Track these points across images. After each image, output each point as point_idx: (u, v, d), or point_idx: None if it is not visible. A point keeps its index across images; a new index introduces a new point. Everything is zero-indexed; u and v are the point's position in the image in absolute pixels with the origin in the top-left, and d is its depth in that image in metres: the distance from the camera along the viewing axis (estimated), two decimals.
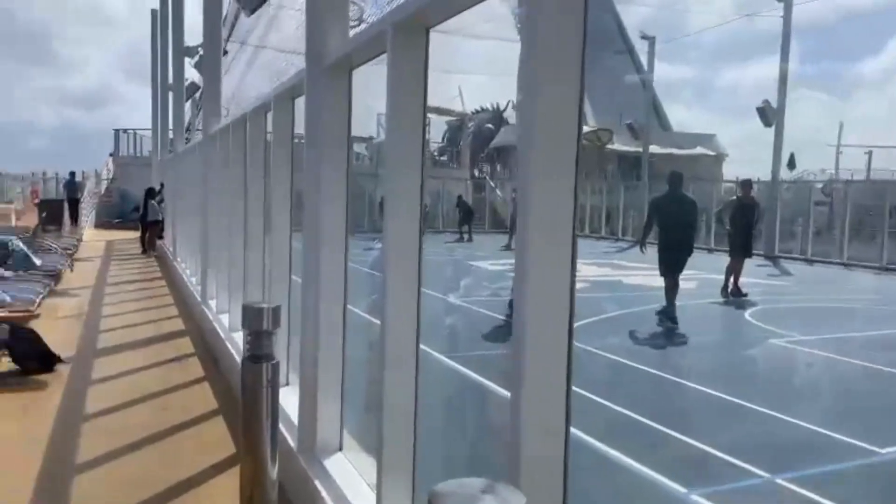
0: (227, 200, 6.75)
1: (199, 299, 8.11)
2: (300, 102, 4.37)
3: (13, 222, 17.28)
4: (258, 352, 2.69)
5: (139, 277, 12.18)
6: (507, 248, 20.88)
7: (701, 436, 5.04)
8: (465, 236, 24.38)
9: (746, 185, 12.31)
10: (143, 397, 5.10)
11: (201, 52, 13.96)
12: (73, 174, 20.86)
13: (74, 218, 18.66)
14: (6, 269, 8.84)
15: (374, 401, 2.65)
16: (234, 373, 5.39)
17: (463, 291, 10.23)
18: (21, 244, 9.71)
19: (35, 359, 5.53)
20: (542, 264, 1.61)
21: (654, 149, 27.04)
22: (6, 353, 5.40)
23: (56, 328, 7.16)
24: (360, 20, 3.48)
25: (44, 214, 17.36)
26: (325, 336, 3.33)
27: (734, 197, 12.48)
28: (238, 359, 5.42)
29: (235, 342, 5.83)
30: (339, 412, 3.38)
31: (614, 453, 4.62)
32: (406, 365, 2.58)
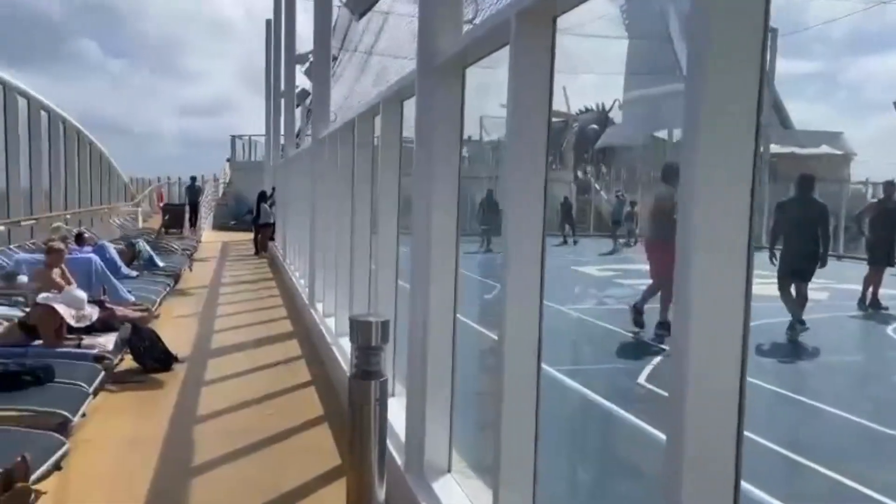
0: (334, 204, 6.78)
1: (306, 301, 8.23)
2: (409, 106, 4.26)
3: (140, 224, 18.52)
4: (366, 367, 2.55)
5: (251, 278, 12.64)
6: (612, 252, 20.14)
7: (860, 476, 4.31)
8: (569, 239, 23.77)
9: (890, 186, 11.13)
10: (252, 400, 5.15)
11: (311, 59, 14.40)
12: (193, 179, 22.08)
13: (194, 221, 19.74)
14: (133, 269, 9.37)
15: (487, 419, 2.44)
16: (339, 378, 5.36)
17: (570, 299, 9.82)
18: (146, 245, 10.29)
19: (154, 358, 5.73)
20: (709, 285, 1.33)
21: (774, 148, 25.28)
22: (128, 351, 5.63)
23: (174, 327, 7.47)
24: (474, 19, 3.29)
25: (167, 217, 18.45)
26: (434, 348, 3.15)
27: (875, 199, 11.30)
28: (344, 365, 5.39)
29: (342, 347, 5.80)
30: (449, 431, 3.19)
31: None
32: (526, 383, 2.35)
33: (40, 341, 5.09)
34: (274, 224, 16.90)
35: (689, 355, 1.34)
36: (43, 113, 11.42)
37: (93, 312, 5.37)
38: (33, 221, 9.95)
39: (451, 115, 3.10)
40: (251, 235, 18.03)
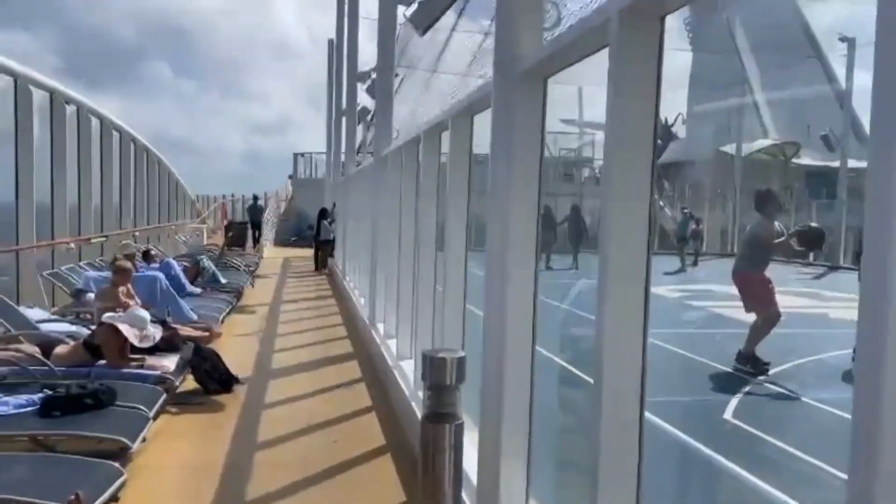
0: (396, 222, 6.61)
1: (367, 321, 8.07)
2: (480, 121, 4.04)
3: (205, 240, 18.92)
4: (440, 409, 2.29)
5: (311, 295, 12.62)
6: (679, 271, 19.34)
7: None
8: None
9: None
10: (313, 426, 4.97)
11: (374, 77, 14.42)
12: (255, 198, 22.46)
13: (256, 240, 20.03)
14: (196, 286, 9.44)
15: (568, 457, 2.15)
16: (401, 404, 5.13)
17: None
18: (210, 263, 10.37)
19: (216, 380, 5.63)
20: None
21: (851, 163, 23.99)
22: (189, 372, 5.55)
23: (235, 346, 7.41)
24: (555, 27, 3.03)
25: (230, 235, 18.78)
26: (510, 383, 2.86)
27: None
28: (405, 390, 5.16)
29: (403, 371, 5.58)
30: (526, 474, 2.90)
31: None
32: (628, 427, 2.05)
33: (104, 361, 5.04)
34: (334, 240, 16.98)
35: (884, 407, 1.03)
36: (114, 132, 11.74)
37: (156, 332, 5.31)
38: (103, 239, 10.18)
39: (531, 129, 2.84)
40: (311, 252, 18.17)
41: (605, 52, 2.12)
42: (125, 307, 5.90)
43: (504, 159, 2.91)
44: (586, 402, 2.18)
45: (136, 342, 5.05)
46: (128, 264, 6.65)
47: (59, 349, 5.07)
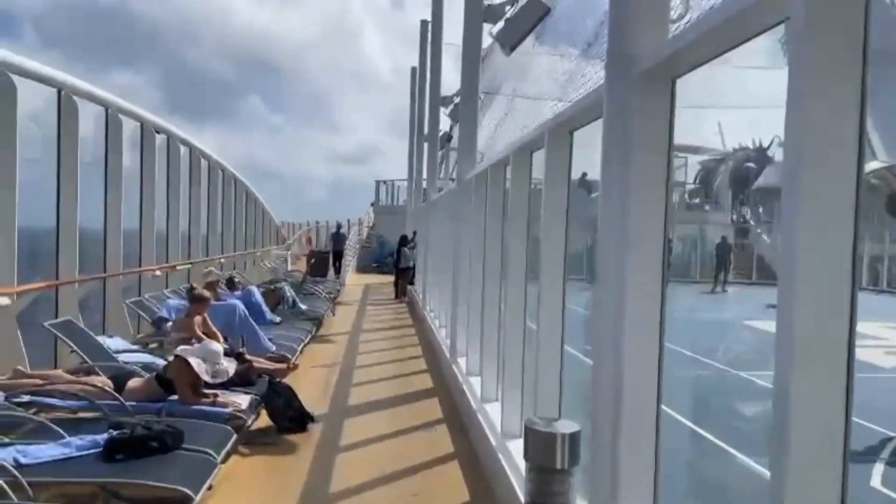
0: (480, 249, 6.16)
1: (448, 355, 7.62)
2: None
3: (289, 266, 19.15)
4: (547, 499, 1.78)
5: (390, 325, 12.32)
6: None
7: None
8: (721, 287, 21.61)
9: None
10: (390, 475, 4.53)
11: (456, 101, 14.16)
12: (339, 227, 22.58)
13: (338, 268, 20.11)
14: (277, 314, 9.31)
15: None
16: (487, 454, 4.62)
17: (756, 364, 8.42)
18: (291, 290, 10.26)
19: (290, 418, 5.31)
20: None
21: None
22: (262, 408, 5.25)
23: (312, 379, 7.13)
24: (682, 19, 2.52)
25: (312, 263, 18.92)
26: (626, 462, 2.30)
27: None
28: (492, 439, 4.64)
29: (488, 415, 5.08)
30: None
31: None
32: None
33: (177, 396, 4.81)
34: (414, 268, 16.74)
35: None
36: (203, 161, 11.96)
37: (229, 367, 5.05)
38: (189, 266, 10.26)
39: (655, 137, 2.34)
40: (392, 278, 18.01)
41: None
42: (200, 338, 5.70)
43: (619, 175, 2.41)
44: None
45: (207, 378, 4.79)
46: (206, 293, 6.49)
47: (132, 383, 4.88)
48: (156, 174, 9.16)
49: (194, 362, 4.79)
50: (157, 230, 9.52)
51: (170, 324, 6.86)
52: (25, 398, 4.59)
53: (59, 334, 5.31)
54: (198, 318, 6.13)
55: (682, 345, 7.78)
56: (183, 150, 10.58)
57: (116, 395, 4.63)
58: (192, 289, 6.78)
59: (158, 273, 8.71)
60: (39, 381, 4.82)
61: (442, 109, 13.90)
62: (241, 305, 7.25)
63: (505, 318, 4.49)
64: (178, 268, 9.64)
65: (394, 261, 17.89)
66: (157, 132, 9.44)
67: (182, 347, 5.02)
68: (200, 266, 11.23)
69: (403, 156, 24.84)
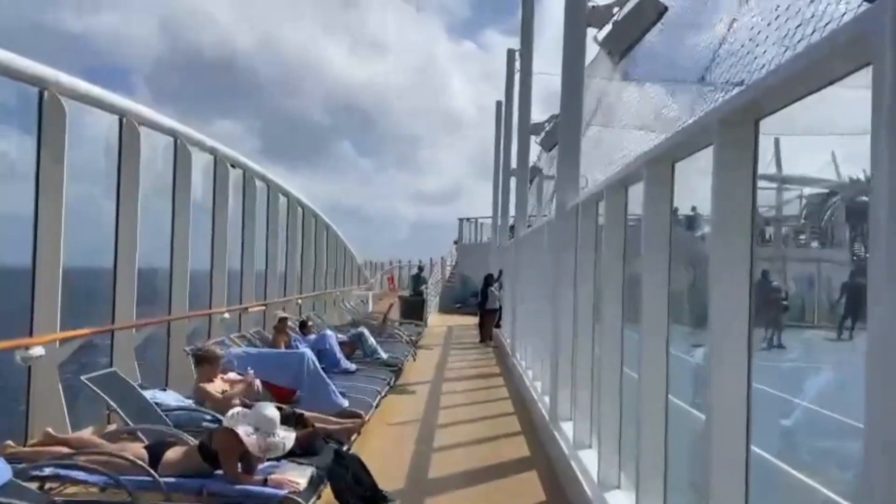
0: (589, 290, 5.09)
1: (546, 416, 6.48)
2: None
3: (370, 307, 18.46)
4: None
5: (476, 373, 11.26)
6: None
7: None
8: (848, 333, 19.26)
9: None
10: None
11: (548, 128, 13.18)
12: (420, 269, 21.72)
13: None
14: (353, 361, 8.47)
15: None
16: None
17: None
18: (370, 336, 9.38)
19: (359, 496, 4.34)
20: None
21: None
22: (326, 484, 4.30)
23: (387, 440, 6.18)
24: None
25: (403, 308, 18.12)
26: None
27: None
28: None
29: None
30: None
31: None
32: None
33: (222, 471, 3.95)
34: (500, 309, 15.65)
35: None
36: (281, 197, 11.47)
37: (287, 438, 4.15)
38: (262, 307, 9.61)
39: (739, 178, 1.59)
40: (476, 320, 17.01)
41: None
42: (227, 403, 4.85)
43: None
44: None
45: (258, 453, 3.90)
46: (211, 353, 5.56)
47: (171, 453, 4.04)
48: (229, 209, 8.61)
49: (244, 433, 3.91)
50: (231, 270, 8.95)
51: (231, 374, 6.09)
52: (47, 470, 3.85)
53: (98, 390, 4.59)
54: (215, 384, 5.27)
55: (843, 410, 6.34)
56: (260, 185, 10.09)
57: (150, 469, 3.81)
58: (196, 351, 5.84)
59: (227, 315, 8.05)
60: (66, 450, 4.07)
61: (533, 138, 12.90)
62: (310, 355, 6.41)
63: (641, 390, 3.37)
64: (250, 310, 8.99)
65: (478, 301, 16.82)
66: (232, 166, 8.96)
67: (232, 412, 4.16)
68: (277, 307, 10.60)
69: (485, 195, 24.09)
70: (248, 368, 5.83)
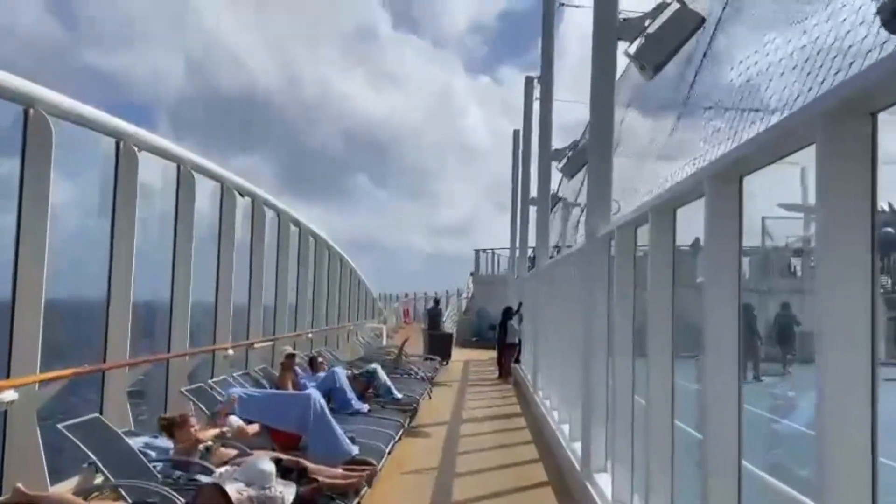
0: (628, 323, 4.53)
1: (577, 466, 5.86)
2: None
3: (384, 341, 17.82)
4: None
5: (495, 413, 10.62)
6: None
7: None
8: None
9: None
10: None
11: (569, 154, 12.69)
12: (437, 302, 20.93)
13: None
14: (364, 402, 7.90)
15: None
16: None
17: None
18: (384, 374, 8.78)
19: None
20: None
21: None
22: None
23: (401, 492, 5.59)
24: None
25: (429, 345, 17.20)
26: None
27: None
28: None
29: None
30: None
31: None
32: None
33: None
34: (520, 343, 15.00)
35: None
36: (292, 227, 11.04)
37: (286, 493, 3.61)
38: (270, 342, 9.09)
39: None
40: (493, 353, 16.34)
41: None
42: (221, 455, 4.29)
43: None
44: None
45: None
46: (182, 416, 4.82)
47: None
48: (235, 239, 8.17)
49: (235, 490, 3.38)
50: (238, 304, 8.47)
51: (233, 418, 5.57)
52: None
53: (77, 440, 4.08)
54: (189, 444, 4.59)
55: None
56: (270, 214, 9.67)
57: None
58: (161, 422, 4.86)
59: (231, 352, 7.53)
60: None
61: (554, 164, 12.41)
62: (317, 396, 5.85)
63: (705, 447, 2.79)
64: (256, 345, 8.48)
65: (496, 335, 16.16)
66: (241, 194, 8.55)
67: (222, 470, 3.63)
68: (286, 342, 10.08)
69: (501, 227, 23.65)
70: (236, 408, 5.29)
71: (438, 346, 17.10)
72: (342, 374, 7.76)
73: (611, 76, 5.66)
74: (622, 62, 6.22)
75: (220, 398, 6.05)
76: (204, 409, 5.76)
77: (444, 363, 15.98)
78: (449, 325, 22.00)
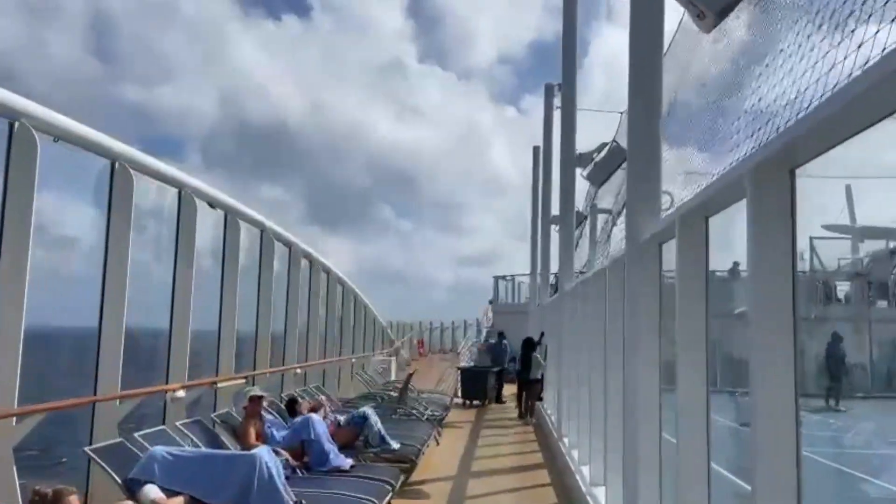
0: (700, 350, 3.02)
1: None
2: None
3: (392, 375, 16.16)
4: None
5: (513, 462, 9.00)
6: None
7: None
8: None
9: None
10: None
11: (597, 159, 11.14)
12: (501, 335, 18.26)
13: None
14: (350, 455, 6.37)
15: None
16: None
17: None
18: (376, 421, 7.20)
19: None
20: None
21: None
22: None
23: None
24: None
25: (464, 387, 14.86)
26: None
27: None
28: None
29: None
30: None
31: None
32: None
33: None
34: (542, 379, 13.28)
35: None
36: (280, 246, 9.65)
37: None
38: (241, 379, 7.59)
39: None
40: (513, 388, 14.58)
41: None
42: None
43: None
44: None
45: None
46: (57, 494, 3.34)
47: None
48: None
49: None
50: (201, 332, 7.10)
51: (150, 488, 4.08)
52: None
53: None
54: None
55: None
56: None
57: None
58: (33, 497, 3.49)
59: (181, 394, 6.04)
60: None
61: (579, 171, 10.88)
62: (265, 457, 4.33)
63: None
64: (220, 384, 6.98)
65: (517, 370, 14.35)
66: (212, 206, 7.25)
67: None
68: (267, 379, 8.64)
69: (522, 257, 22.17)
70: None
71: (475, 386, 14.88)
72: (317, 421, 6.24)
73: (659, 27, 4.23)
74: None
75: (141, 458, 4.55)
76: (114, 475, 4.26)
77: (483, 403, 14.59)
78: (464, 357, 20.37)
